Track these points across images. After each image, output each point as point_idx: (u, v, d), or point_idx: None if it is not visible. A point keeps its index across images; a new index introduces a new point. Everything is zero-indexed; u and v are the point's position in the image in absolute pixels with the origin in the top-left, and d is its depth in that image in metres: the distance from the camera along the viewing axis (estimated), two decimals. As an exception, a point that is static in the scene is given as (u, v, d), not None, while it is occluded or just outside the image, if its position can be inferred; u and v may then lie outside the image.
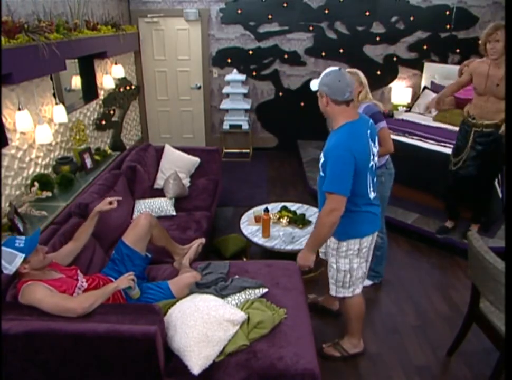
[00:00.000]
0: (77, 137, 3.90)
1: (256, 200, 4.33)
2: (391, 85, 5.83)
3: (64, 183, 3.34)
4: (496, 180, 3.62)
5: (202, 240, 2.94)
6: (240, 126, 5.76)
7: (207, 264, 2.57)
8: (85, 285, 2.09)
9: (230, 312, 1.98)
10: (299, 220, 3.23)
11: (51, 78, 3.60)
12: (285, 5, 5.44)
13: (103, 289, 2.02)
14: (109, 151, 4.32)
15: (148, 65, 5.90)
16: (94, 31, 4.00)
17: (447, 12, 5.37)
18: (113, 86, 4.73)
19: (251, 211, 3.46)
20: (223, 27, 5.62)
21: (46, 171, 3.50)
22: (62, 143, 3.80)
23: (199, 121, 6.20)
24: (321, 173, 2.06)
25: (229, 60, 5.75)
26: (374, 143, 2.11)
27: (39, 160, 3.43)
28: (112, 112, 4.75)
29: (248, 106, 5.71)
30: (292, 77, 5.85)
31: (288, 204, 3.53)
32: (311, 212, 3.39)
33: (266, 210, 3.13)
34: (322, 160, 2.04)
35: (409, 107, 5.51)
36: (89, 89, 4.45)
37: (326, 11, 5.45)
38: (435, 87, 5.26)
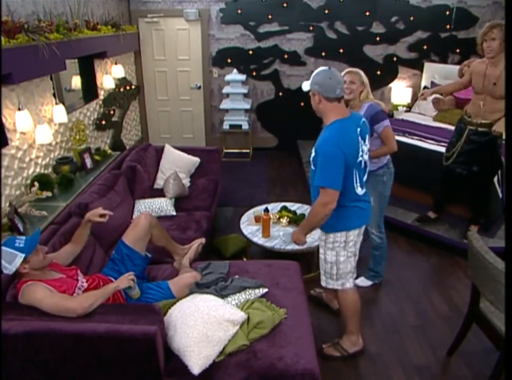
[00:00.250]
0: (77, 137, 3.90)
1: (256, 200, 4.32)
2: (391, 85, 5.83)
3: (64, 183, 3.34)
4: (496, 180, 3.63)
5: (202, 240, 2.94)
6: (240, 126, 5.76)
7: (207, 264, 2.57)
8: (85, 285, 2.09)
9: (230, 312, 1.98)
10: (299, 220, 3.23)
11: (51, 78, 3.60)
12: (285, 5, 5.44)
13: (103, 289, 2.02)
14: (109, 151, 4.32)
15: (148, 65, 5.90)
16: (94, 31, 4.00)
17: (447, 12, 5.37)
18: (113, 86, 4.73)
19: (251, 211, 3.46)
20: (223, 27, 5.62)
21: (46, 171, 3.50)
22: (62, 143, 3.80)
23: (199, 121, 6.20)
24: (312, 167, 2.17)
25: (229, 60, 5.75)
26: (364, 141, 2.17)
27: (39, 160, 3.43)
28: (112, 112, 4.74)
29: (248, 106, 5.71)
30: (292, 77, 5.85)
31: (288, 204, 3.53)
32: (311, 212, 3.39)
33: (266, 210, 3.13)
34: (313, 154, 2.13)
35: (409, 107, 5.51)
36: (89, 89, 4.45)
37: (326, 11, 5.45)
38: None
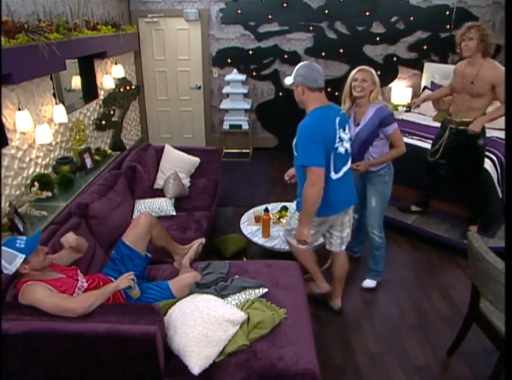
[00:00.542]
0: (77, 137, 3.89)
1: (256, 200, 4.32)
2: (391, 85, 5.83)
3: (64, 183, 3.34)
4: (496, 180, 3.63)
5: (202, 240, 2.94)
6: (240, 126, 5.76)
7: (207, 264, 2.57)
8: (85, 285, 2.09)
9: (230, 312, 1.98)
10: (299, 220, 3.23)
11: (51, 78, 3.60)
12: (285, 5, 5.44)
13: (103, 289, 2.02)
14: (109, 151, 4.32)
15: (148, 65, 5.90)
16: (94, 31, 4.00)
17: (447, 12, 5.36)
18: (113, 86, 4.73)
19: (251, 211, 3.46)
20: (223, 27, 5.62)
21: (46, 171, 3.50)
22: (62, 143, 3.80)
23: (199, 121, 6.20)
24: (295, 153, 2.34)
25: (229, 60, 5.75)
26: (344, 130, 2.34)
27: (39, 160, 3.43)
28: (112, 112, 4.74)
29: (248, 106, 5.71)
30: (292, 77, 5.84)
31: (288, 204, 3.52)
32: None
33: (266, 210, 3.13)
34: (295, 140, 2.32)
35: (409, 107, 5.51)
36: (89, 89, 4.45)
37: (326, 11, 5.45)
38: (435, 87, 5.24)
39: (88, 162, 3.77)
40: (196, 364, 1.81)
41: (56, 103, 3.57)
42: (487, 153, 3.82)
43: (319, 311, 2.88)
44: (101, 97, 4.64)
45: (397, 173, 2.93)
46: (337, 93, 5.86)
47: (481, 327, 2.27)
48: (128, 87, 5.19)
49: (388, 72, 5.72)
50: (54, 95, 3.64)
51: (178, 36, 5.72)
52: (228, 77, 5.51)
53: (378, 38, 5.57)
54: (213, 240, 3.62)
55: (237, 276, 2.41)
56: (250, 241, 3.15)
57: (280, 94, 5.94)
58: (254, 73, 5.83)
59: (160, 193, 3.62)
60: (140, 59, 5.83)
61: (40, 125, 3.24)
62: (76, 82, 4.32)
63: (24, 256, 1.88)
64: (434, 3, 5.37)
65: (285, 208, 3.41)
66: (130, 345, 1.74)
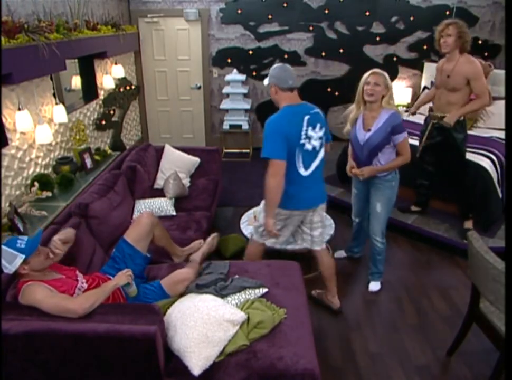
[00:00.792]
0: (77, 137, 3.90)
1: (256, 200, 4.27)
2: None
3: (64, 183, 3.34)
4: (496, 180, 3.62)
5: (216, 234, 3.01)
6: (240, 126, 5.76)
7: (207, 264, 2.57)
8: (85, 286, 2.08)
9: (230, 312, 1.98)
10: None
11: (51, 78, 3.60)
12: (285, 5, 5.44)
13: (103, 287, 2.02)
14: (109, 151, 4.32)
15: (148, 65, 5.90)
16: (94, 31, 4.00)
17: (447, 12, 5.36)
18: (113, 86, 4.73)
19: (251, 211, 3.46)
20: (223, 27, 5.62)
21: (46, 171, 3.50)
22: (62, 143, 3.80)
23: (199, 121, 6.20)
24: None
25: (229, 60, 5.75)
26: (314, 128, 2.39)
27: (39, 160, 3.43)
28: (112, 112, 4.74)
29: (248, 106, 5.71)
30: (292, 77, 5.84)
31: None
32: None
33: (266, 210, 3.13)
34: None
35: (409, 108, 5.50)
36: (89, 89, 4.45)
37: (326, 11, 5.45)
38: (435, 87, 5.26)
39: (88, 162, 3.77)
40: (196, 365, 1.81)
41: (56, 103, 3.57)
42: (487, 153, 3.83)
43: (319, 311, 2.87)
44: (101, 97, 4.64)
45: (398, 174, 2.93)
46: (337, 93, 5.88)
47: (481, 327, 2.27)
48: (127, 87, 5.19)
49: (388, 72, 5.67)
50: (54, 95, 3.64)
51: (178, 36, 5.71)
52: (228, 77, 5.51)
53: (378, 38, 5.57)
54: (213, 240, 3.62)
55: (237, 276, 2.41)
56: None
57: (280, 94, 5.93)
58: (254, 73, 5.82)
59: (160, 193, 3.62)
60: (140, 59, 5.83)
61: (40, 125, 3.24)
62: (76, 82, 4.32)
63: (23, 256, 1.88)
64: (434, 3, 5.37)
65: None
66: (130, 345, 1.74)
